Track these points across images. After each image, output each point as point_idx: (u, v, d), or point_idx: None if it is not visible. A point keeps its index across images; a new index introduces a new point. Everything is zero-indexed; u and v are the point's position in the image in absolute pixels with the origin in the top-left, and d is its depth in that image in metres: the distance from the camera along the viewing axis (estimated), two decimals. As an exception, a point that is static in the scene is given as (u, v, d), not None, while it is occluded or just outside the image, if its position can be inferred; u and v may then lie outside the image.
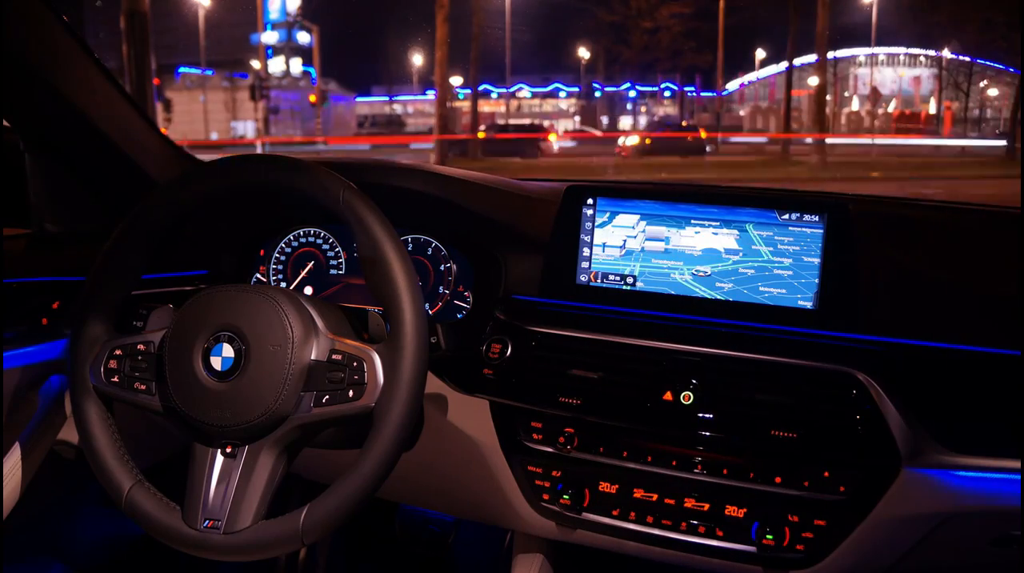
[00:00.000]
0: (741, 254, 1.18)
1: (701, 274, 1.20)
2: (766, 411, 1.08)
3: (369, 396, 0.90)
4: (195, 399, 0.92)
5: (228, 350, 0.92)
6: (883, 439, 1.04)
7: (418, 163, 1.38)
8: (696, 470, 1.12)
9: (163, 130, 1.43)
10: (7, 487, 1.20)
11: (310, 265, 1.46)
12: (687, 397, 1.11)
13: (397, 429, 0.89)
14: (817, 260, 1.14)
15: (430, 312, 1.38)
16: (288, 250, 1.47)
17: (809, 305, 1.15)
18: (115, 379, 0.99)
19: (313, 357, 0.92)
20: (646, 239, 1.23)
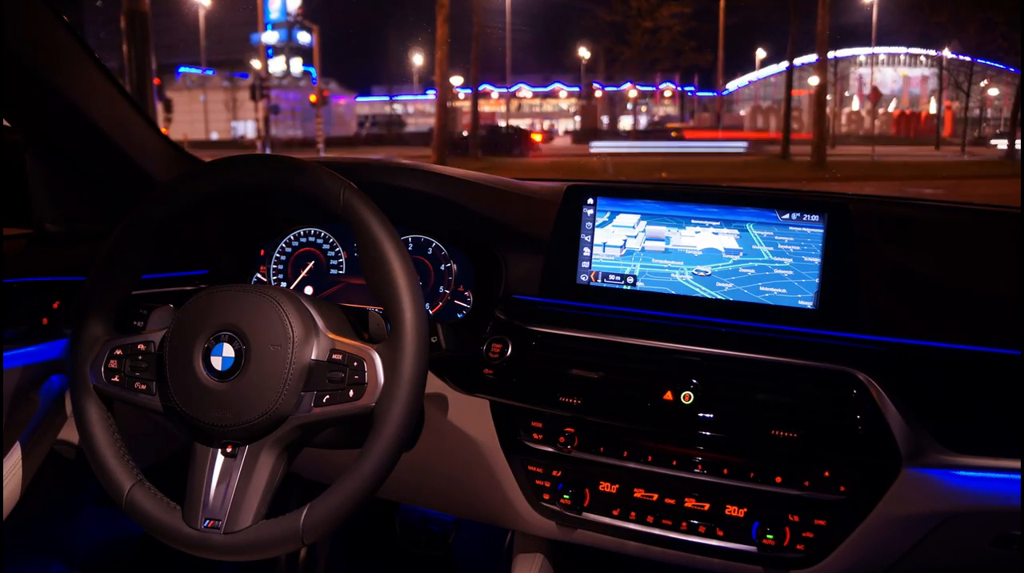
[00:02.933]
0: (741, 254, 1.18)
1: (701, 274, 1.20)
2: (766, 411, 1.08)
3: (369, 396, 0.90)
4: (195, 399, 0.92)
5: (228, 350, 0.92)
6: (883, 439, 1.04)
7: (418, 163, 1.38)
8: (696, 470, 1.12)
9: (163, 130, 1.44)
10: (7, 487, 1.20)
11: (310, 265, 1.46)
12: (687, 397, 1.11)
13: (397, 429, 0.89)
14: (817, 260, 1.14)
15: (430, 312, 1.38)
16: (288, 250, 1.47)
17: (809, 305, 1.15)
18: (115, 379, 0.99)
19: (313, 357, 0.92)
20: (646, 239, 1.23)
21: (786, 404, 1.08)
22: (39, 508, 1.39)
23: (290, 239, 1.47)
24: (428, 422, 1.23)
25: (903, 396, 1.05)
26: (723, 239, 1.19)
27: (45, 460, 1.27)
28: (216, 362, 0.92)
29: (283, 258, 1.47)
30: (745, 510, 1.11)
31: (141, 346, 0.99)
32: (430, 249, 1.39)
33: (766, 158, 21.93)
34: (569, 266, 1.26)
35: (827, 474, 1.06)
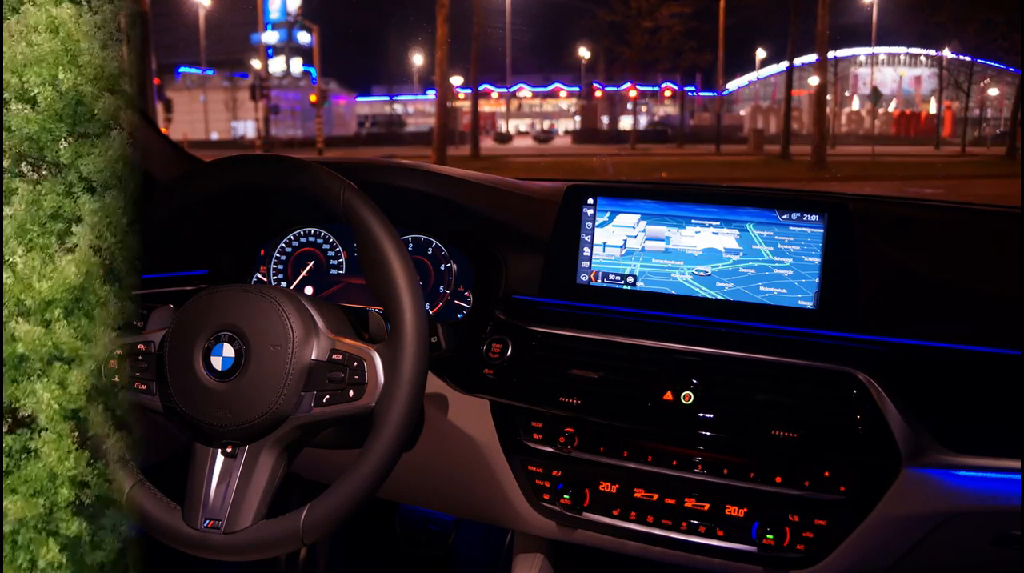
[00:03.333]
0: (741, 254, 1.18)
1: (701, 274, 1.20)
2: (766, 411, 1.08)
3: (369, 396, 0.90)
4: (195, 399, 0.92)
5: (228, 350, 0.92)
6: (883, 439, 1.04)
7: (418, 163, 1.38)
8: (696, 470, 1.12)
9: (164, 130, 1.43)
10: (7, 487, 1.19)
11: (310, 265, 1.46)
12: (687, 397, 1.11)
13: (397, 429, 0.89)
14: (817, 260, 1.14)
15: (430, 312, 1.38)
16: (288, 250, 1.47)
17: (809, 305, 1.15)
18: (115, 379, 0.99)
19: (313, 357, 0.92)
20: (646, 239, 1.23)
21: (786, 404, 1.08)
22: (39, 508, 1.39)
23: (290, 239, 1.47)
24: (428, 422, 1.23)
25: (903, 396, 1.05)
26: (723, 239, 1.19)
27: None
28: (216, 362, 0.92)
29: (283, 258, 1.47)
30: (745, 510, 1.11)
31: (141, 346, 0.99)
32: (430, 249, 1.39)
33: (766, 158, 21.94)
34: (569, 266, 1.26)
35: (827, 474, 1.06)
